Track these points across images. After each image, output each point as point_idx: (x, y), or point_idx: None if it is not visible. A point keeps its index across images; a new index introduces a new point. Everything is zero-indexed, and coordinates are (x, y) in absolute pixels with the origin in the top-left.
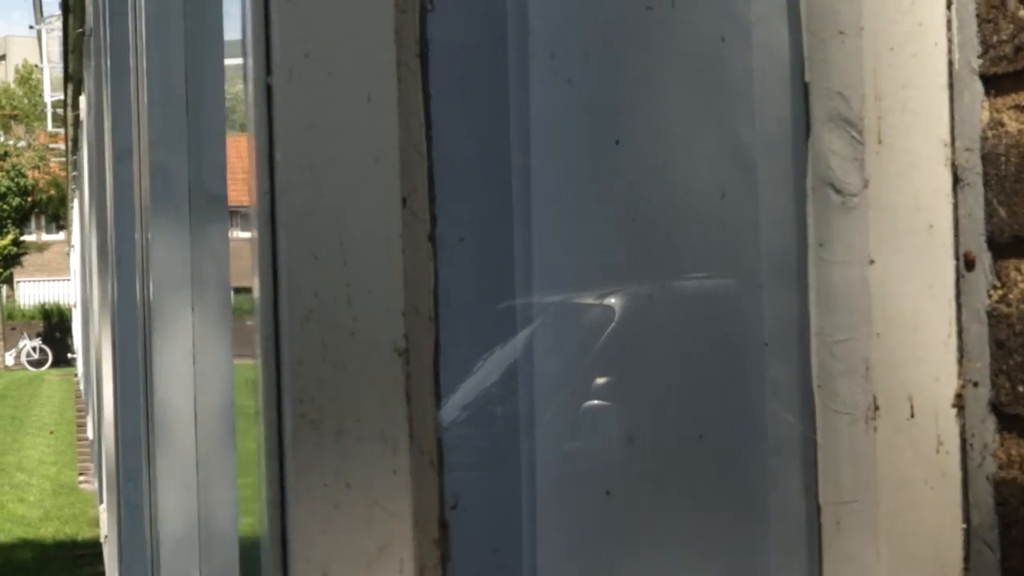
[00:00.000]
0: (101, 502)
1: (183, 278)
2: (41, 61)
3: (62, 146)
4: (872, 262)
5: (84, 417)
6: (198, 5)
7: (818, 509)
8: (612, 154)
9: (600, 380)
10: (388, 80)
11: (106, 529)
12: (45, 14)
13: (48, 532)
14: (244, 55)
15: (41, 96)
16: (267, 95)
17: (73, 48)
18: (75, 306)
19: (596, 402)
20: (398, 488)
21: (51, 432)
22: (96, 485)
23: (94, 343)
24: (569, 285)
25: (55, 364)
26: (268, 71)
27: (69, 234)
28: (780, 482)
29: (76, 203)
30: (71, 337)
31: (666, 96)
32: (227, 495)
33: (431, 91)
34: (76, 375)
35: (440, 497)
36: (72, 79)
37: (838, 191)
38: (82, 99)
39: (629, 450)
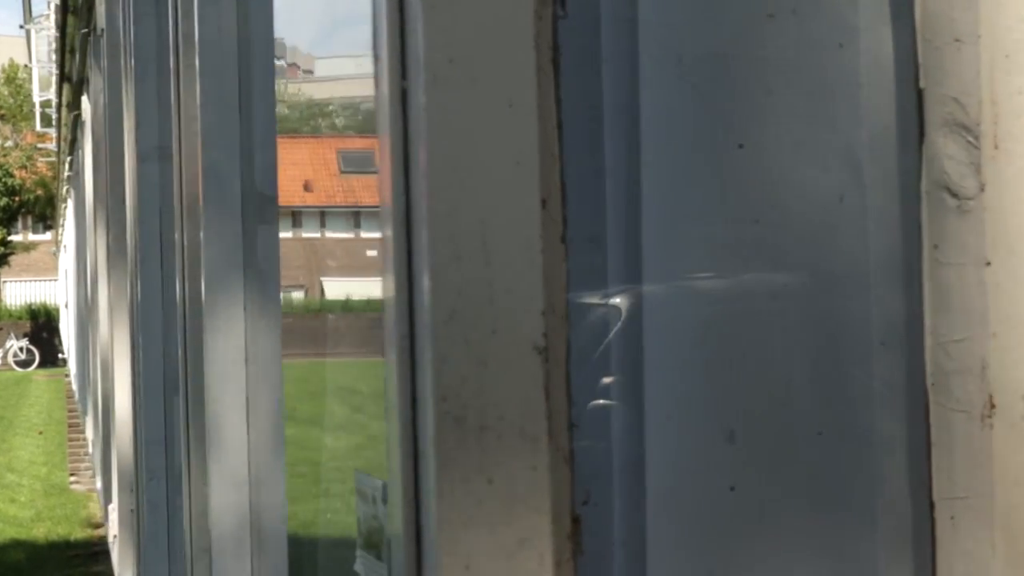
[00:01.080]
0: (110, 502)
1: (235, 278)
2: (29, 61)
3: (50, 146)
4: (988, 264)
5: (76, 417)
6: (251, 5)
7: (931, 505)
8: (736, 158)
9: (716, 376)
10: (528, 85)
11: (115, 529)
12: (34, 14)
13: (40, 533)
14: (375, 60)
15: (28, 96)
16: (402, 99)
17: (71, 48)
18: (65, 306)
19: (714, 398)
20: (537, 483)
21: (40, 433)
22: (98, 485)
23: (100, 343)
24: (689, 285)
25: (42, 364)
26: (403, 75)
27: (57, 234)
28: (890, 478)
29: (70, 203)
30: (58, 337)
31: (785, 101)
32: (277, 493)
33: (560, 95)
34: (67, 375)
35: (572, 492)
36: (69, 79)
37: (953, 194)
38: (84, 99)
39: (748, 446)
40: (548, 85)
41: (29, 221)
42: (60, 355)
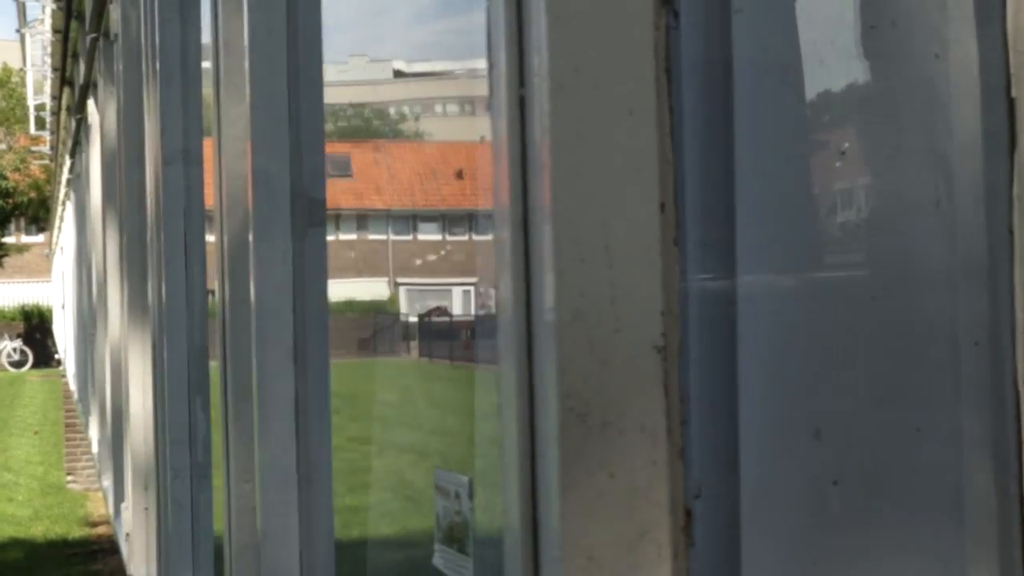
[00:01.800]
0: (122, 501)
1: (284, 280)
2: (24, 64)
3: (44, 148)
4: None
5: (73, 417)
6: (299, 11)
7: (1021, 504)
8: (836, 163)
9: (805, 375)
10: (648, 93)
11: (128, 527)
12: (28, 18)
13: (38, 531)
14: (491, 68)
15: (21, 99)
16: (520, 106)
17: (74, 52)
18: (62, 307)
19: (803, 397)
20: (656, 478)
21: (36, 432)
22: (105, 484)
23: (110, 344)
24: (783, 286)
25: (35, 365)
26: (521, 83)
27: (51, 236)
28: (979, 477)
29: (70, 206)
30: (51, 338)
31: (882, 109)
32: (325, 491)
33: (672, 103)
34: (63, 376)
35: (686, 486)
36: (70, 83)
37: None
38: (90, 103)
39: (836, 444)
40: (663, 93)
41: (22, 223)
42: (56, 356)
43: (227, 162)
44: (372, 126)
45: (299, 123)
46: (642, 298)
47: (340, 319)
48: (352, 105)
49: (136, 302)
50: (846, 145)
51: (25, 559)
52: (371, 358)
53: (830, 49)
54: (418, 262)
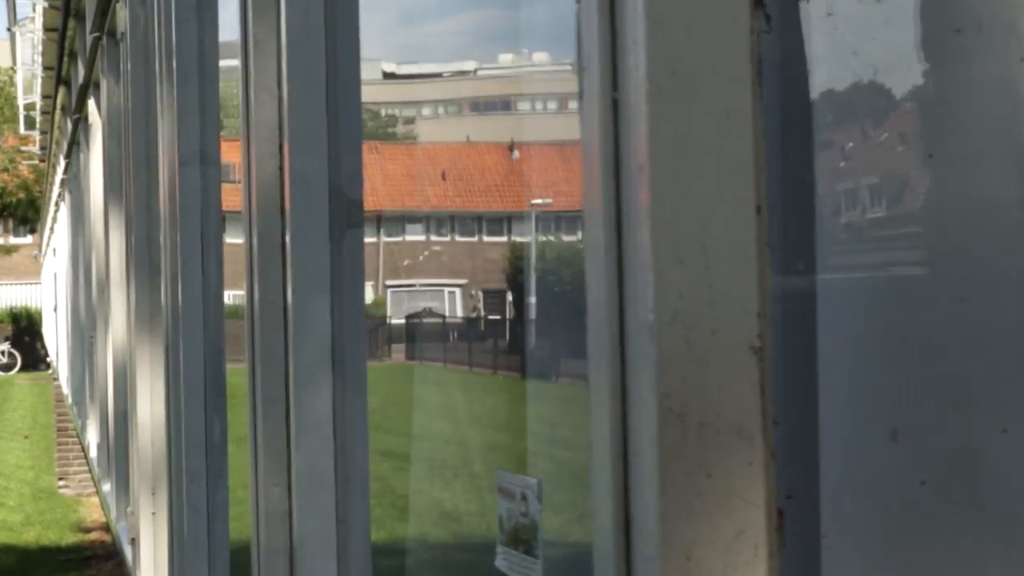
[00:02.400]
0: (128, 506)
1: (322, 281)
2: (14, 63)
3: (33, 149)
4: None
5: (65, 421)
6: (337, 10)
7: None
8: (924, 166)
9: (886, 376)
10: (744, 96)
11: (134, 532)
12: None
13: (31, 537)
14: (582, 71)
15: (9, 99)
16: (613, 108)
17: (70, 51)
18: (54, 310)
19: (883, 397)
20: (752, 478)
21: (26, 437)
22: (106, 489)
23: (113, 347)
24: (866, 288)
25: (24, 368)
26: (614, 87)
27: (42, 238)
28: None
29: (64, 206)
30: (40, 341)
31: (969, 112)
32: (362, 494)
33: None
34: (55, 379)
35: (777, 487)
36: (67, 82)
37: None
38: (91, 103)
39: (926, 446)
40: (758, 96)
41: (11, 224)
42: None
43: (257, 163)
44: (364, 128)
45: (337, 123)
46: (738, 299)
47: None
48: None
49: (144, 305)
50: (930, 147)
51: (18, 565)
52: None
53: (918, 51)
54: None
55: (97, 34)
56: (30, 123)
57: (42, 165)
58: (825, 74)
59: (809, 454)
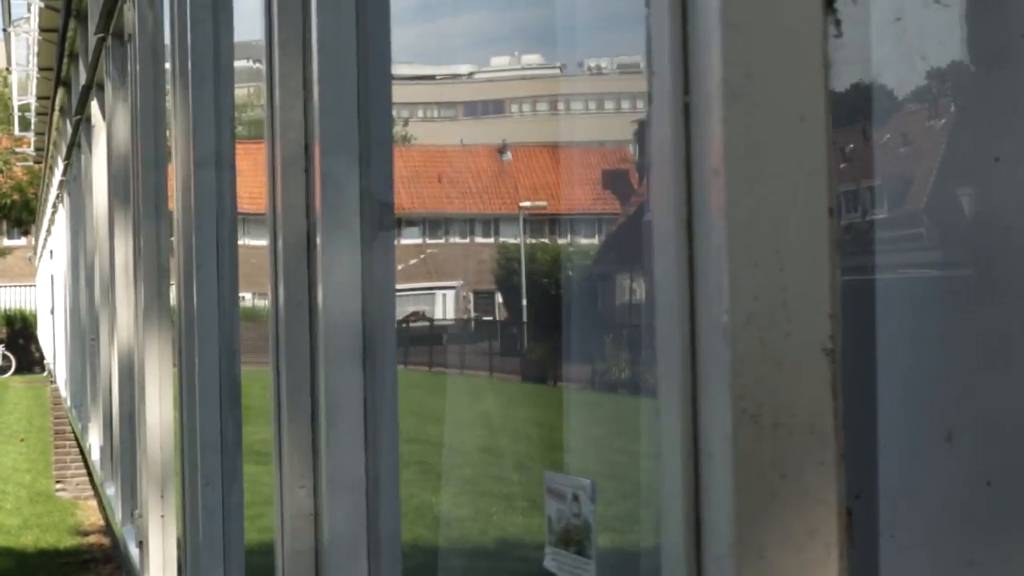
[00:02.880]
0: (135, 508)
1: (354, 284)
2: (9, 64)
3: (27, 150)
4: None
5: (62, 424)
6: (368, 12)
7: None
8: (991, 169)
9: (942, 378)
10: (818, 101)
11: (141, 535)
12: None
13: (29, 540)
14: (652, 75)
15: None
16: (684, 112)
17: (71, 52)
18: (51, 312)
19: (940, 400)
20: (824, 477)
21: (22, 440)
22: (110, 492)
23: (118, 350)
24: (926, 290)
25: (19, 371)
26: (686, 91)
27: (37, 239)
28: None
29: (62, 208)
30: (35, 344)
31: None
32: (393, 496)
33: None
34: (52, 382)
35: (846, 486)
36: (66, 84)
37: None
38: (94, 104)
39: (986, 446)
40: (828, 101)
41: (4, 226)
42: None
43: (283, 165)
44: None
45: (368, 126)
46: (811, 301)
47: None
48: None
49: (152, 307)
50: (996, 150)
51: (16, 568)
52: None
53: (985, 57)
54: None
55: (102, 35)
56: (24, 124)
57: (37, 167)
58: (892, 77)
59: (869, 454)
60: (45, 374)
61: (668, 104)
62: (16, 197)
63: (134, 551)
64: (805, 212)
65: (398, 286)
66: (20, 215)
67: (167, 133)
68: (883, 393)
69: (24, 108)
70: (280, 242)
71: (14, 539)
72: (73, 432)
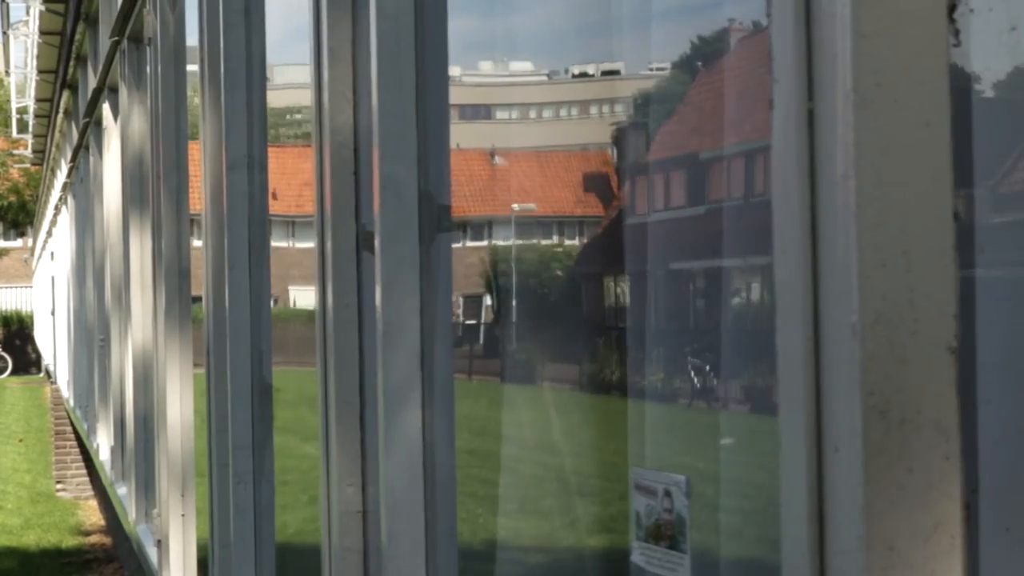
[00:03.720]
0: (153, 508)
1: (412, 287)
2: (7, 67)
3: (24, 152)
4: None
5: (63, 425)
6: (427, 18)
7: None
8: None
9: None
10: (942, 107)
11: (160, 534)
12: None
13: (31, 540)
14: (774, 83)
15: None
16: (808, 118)
17: (78, 55)
18: (52, 313)
19: None
20: (949, 471)
21: (21, 440)
22: (122, 492)
23: (132, 351)
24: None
25: (15, 372)
26: (810, 97)
27: (35, 241)
28: None
29: (66, 210)
30: (32, 345)
31: None
32: (450, 494)
33: None
34: (53, 383)
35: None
36: (71, 86)
37: None
38: (105, 107)
39: None
40: (950, 107)
41: (0, 228)
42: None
43: (331, 169)
44: None
45: (426, 129)
46: (937, 301)
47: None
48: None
49: (174, 308)
50: None
51: (19, 568)
52: None
53: None
54: None
55: (116, 39)
56: (22, 127)
57: (34, 169)
58: (1008, 85)
59: (986, 449)
60: (42, 375)
61: (792, 110)
62: (13, 199)
63: (151, 550)
64: (930, 214)
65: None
66: (16, 217)
67: (198, 136)
68: (983, 388)
69: (22, 111)
70: (329, 244)
71: (16, 539)
72: (74, 432)
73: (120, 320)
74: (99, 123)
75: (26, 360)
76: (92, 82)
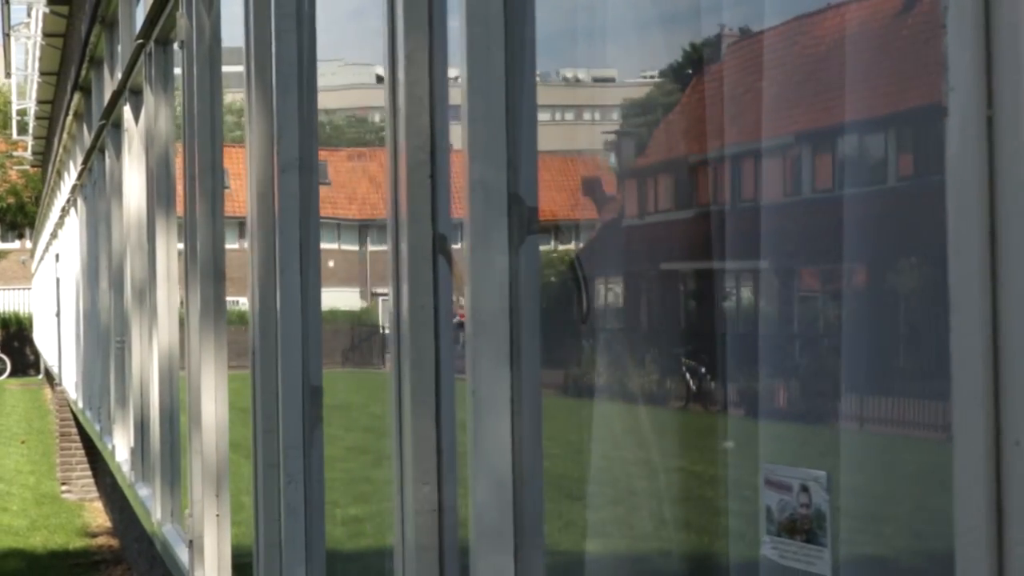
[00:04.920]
0: (186, 508)
1: (502, 289)
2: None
3: (24, 153)
4: None
5: (68, 427)
6: (515, 23)
7: None
8: None
9: None
10: None
11: (191, 534)
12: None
13: (38, 542)
14: (950, 91)
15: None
16: (988, 126)
17: (92, 56)
18: (56, 315)
19: None
20: None
21: (23, 442)
22: (143, 493)
23: (157, 351)
24: None
25: (13, 373)
26: (989, 105)
27: (36, 243)
28: None
29: (74, 212)
30: (31, 346)
31: None
32: (537, 491)
33: None
34: (58, 384)
35: None
36: (83, 88)
37: None
38: (126, 109)
39: None
40: None
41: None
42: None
43: (407, 173)
44: (349, 133)
45: (516, 132)
46: None
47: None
48: (327, 111)
49: (209, 310)
50: None
51: (28, 569)
52: (356, 368)
53: None
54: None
55: (142, 41)
56: (22, 128)
57: (32, 171)
58: None
59: None
60: (40, 376)
61: (970, 118)
62: (11, 200)
63: (180, 550)
64: None
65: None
66: (15, 218)
67: (235, 138)
68: None
69: (22, 112)
70: (404, 247)
71: (23, 540)
72: (80, 434)
73: (141, 321)
74: (117, 125)
75: (24, 362)
76: (109, 84)
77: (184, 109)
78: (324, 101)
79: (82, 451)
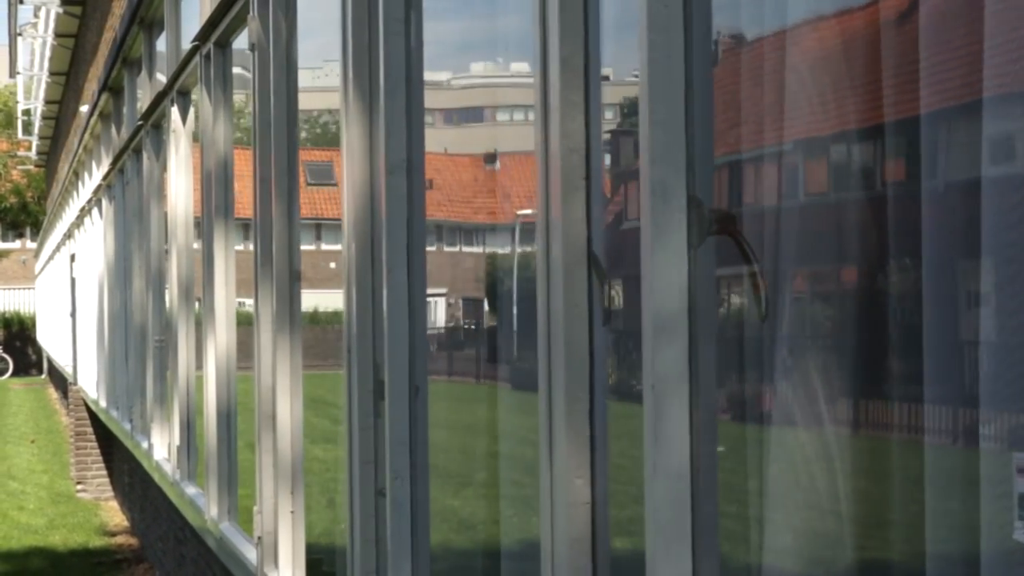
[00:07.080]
0: (255, 504)
1: (680, 287)
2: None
3: (28, 153)
4: None
5: (83, 426)
6: (694, 28)
7: None
8: None
9: None
10: None
11: (260, 531)
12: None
13: (57, 540)
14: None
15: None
16: None
17: (125, 58)
18: (71, 315)
19: None
20: None
21: (32, 441)
22: (191, 492)
23: (215, 352)
24: None
25: (16, 373)
26: None
27: (41, 243)
28: None
29: (97, 212)
30: (33, 346)
31: None
32: (712, 484)
33: None
34: (74, 384)
35: None
36: (111, 89)
37: None
38: (173, 111)
39: None
40: None
41: (1, 229)
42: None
43: (559, 175)
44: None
45: (693, 135)
46: None
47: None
48: (331, 111)
49: (285, 310)
50: None
51: (51, 568)
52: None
53: None
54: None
55: (198, 43)
56: (27, 128)
57: (35, 170)
58: None
59: None
60: (43, 376)
61: None
62: (14, 200)
63: (243, 547)
64: None
65: None
66: (16, 218)
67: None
68: None
69: (27, 112)
70: (557, 248)
71: (43, 539)
72: (95, 434)
73: (188, 321)
74: (157, 126)
75: (27, 361)
76: (148, 85)
77: (256, 112)
78: (327, 101)
79: (98, 450)
